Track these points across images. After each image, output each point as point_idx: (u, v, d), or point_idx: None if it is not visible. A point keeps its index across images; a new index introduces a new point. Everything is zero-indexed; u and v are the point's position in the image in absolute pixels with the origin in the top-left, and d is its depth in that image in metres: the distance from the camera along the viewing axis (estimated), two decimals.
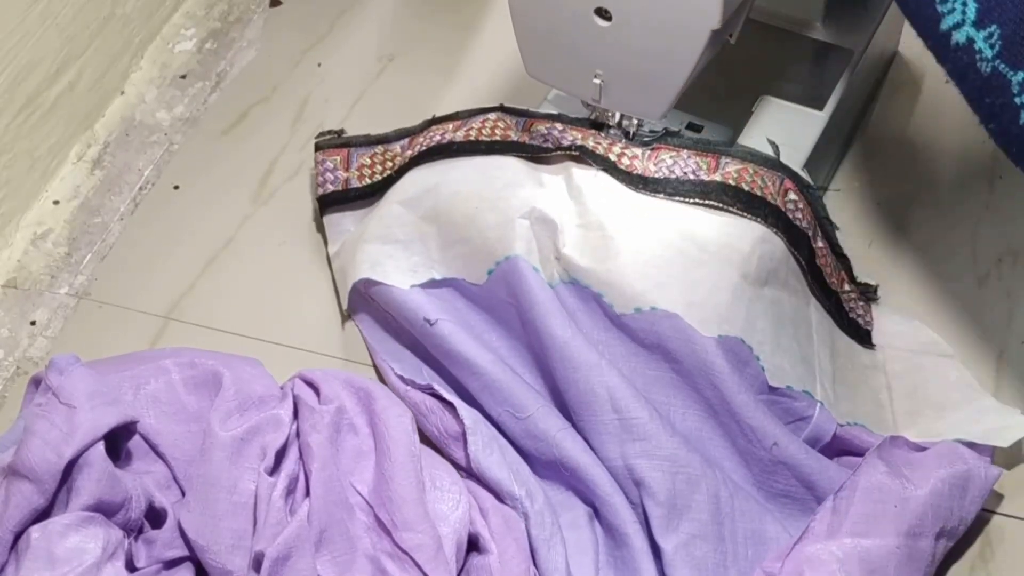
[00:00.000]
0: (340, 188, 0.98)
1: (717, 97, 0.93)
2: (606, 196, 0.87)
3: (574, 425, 0.85)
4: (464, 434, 0.84)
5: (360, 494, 0.80)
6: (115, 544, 0.75)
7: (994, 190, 1.01)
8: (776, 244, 0.86)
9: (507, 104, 0.94)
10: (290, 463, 0.81)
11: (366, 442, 0.82)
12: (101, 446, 0.77)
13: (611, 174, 0.88)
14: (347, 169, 0.98)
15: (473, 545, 0.80)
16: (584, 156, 0.88)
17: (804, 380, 0.85)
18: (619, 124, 0.88)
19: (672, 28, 0.79)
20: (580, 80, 0.85)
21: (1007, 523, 0.84)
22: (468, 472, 0.84)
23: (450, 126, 0.94)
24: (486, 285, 0.90)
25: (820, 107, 0.93)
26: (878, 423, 0.87)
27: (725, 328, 0.84)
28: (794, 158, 0.90)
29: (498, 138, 0.91)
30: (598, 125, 0.89)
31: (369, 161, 0.98)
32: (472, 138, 0.92)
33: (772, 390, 0.85)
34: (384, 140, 0.98)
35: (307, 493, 0.80)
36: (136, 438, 0.82)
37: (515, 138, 0.91)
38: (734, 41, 0.84)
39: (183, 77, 1.14)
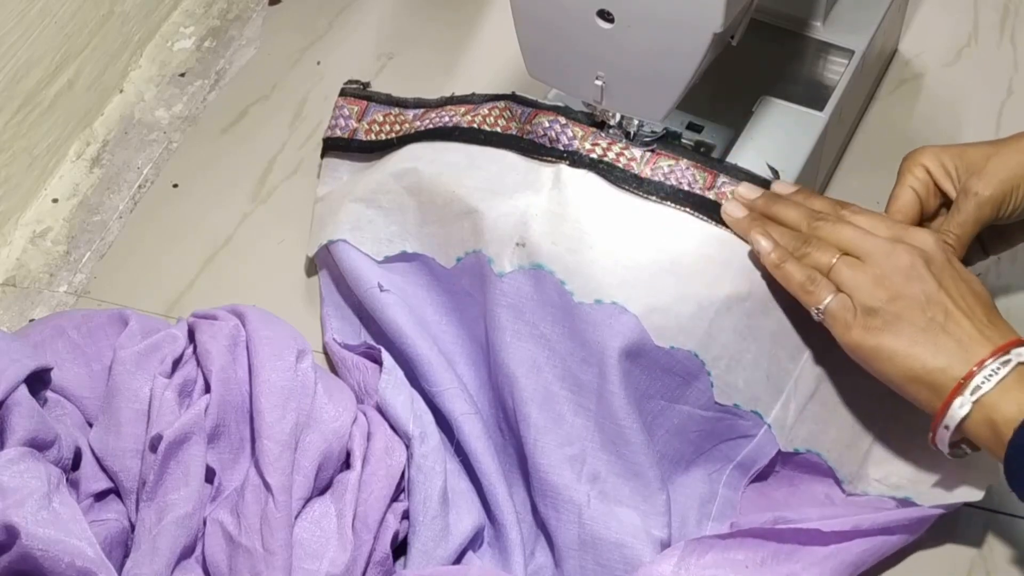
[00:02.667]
0: (346, 136, 1.00)
1: (717, 97, 0.93)
2: (591, 194, 0.87)
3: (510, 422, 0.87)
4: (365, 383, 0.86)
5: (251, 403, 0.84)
6: (56, 478, 0.78)
7: None
8: None
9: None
10: (187, 368, 0.85)
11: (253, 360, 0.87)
12: (24, 388, 0.80)
13: (604, 174, 0.88)
14: (359, 120, 1.00)
15: (349, 461, 0.83)
16: (577, 163, 0.88)
17: (759, 400, 0.84)
18: (619, 124, 0.89)
19: (674, 30, 0.79)
20: (582, 81, 0.85)
21: (1007, 522, 0.85)
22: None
23: (462, 108, 0.95)
24: (453, 270, 0.91)
25: (820, 107, 0.93)
26: (842, 453, 0.85)
27: (680, 340, 0.83)
28: (794, 159, 0.91)
29: (498, 129, 0.92)
30: (599, 124, 0.89)
31: (381, 119, 0.99)
32: (475, 125, 0.92)
33: (718, 406, 0.85)
34: (402, 104, 0.99)
35: (205, 392, 0.84)
36: (46, 392, 0.85)
37: (514, 131, 0.91)
38: (736, 42, 0.84)
39: (182, 75, 1.14)
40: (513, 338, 0.86)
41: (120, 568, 0.79)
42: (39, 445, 0.80)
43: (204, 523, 0.81)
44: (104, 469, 0.83)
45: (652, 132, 0.89)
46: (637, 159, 0.88)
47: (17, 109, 1.01)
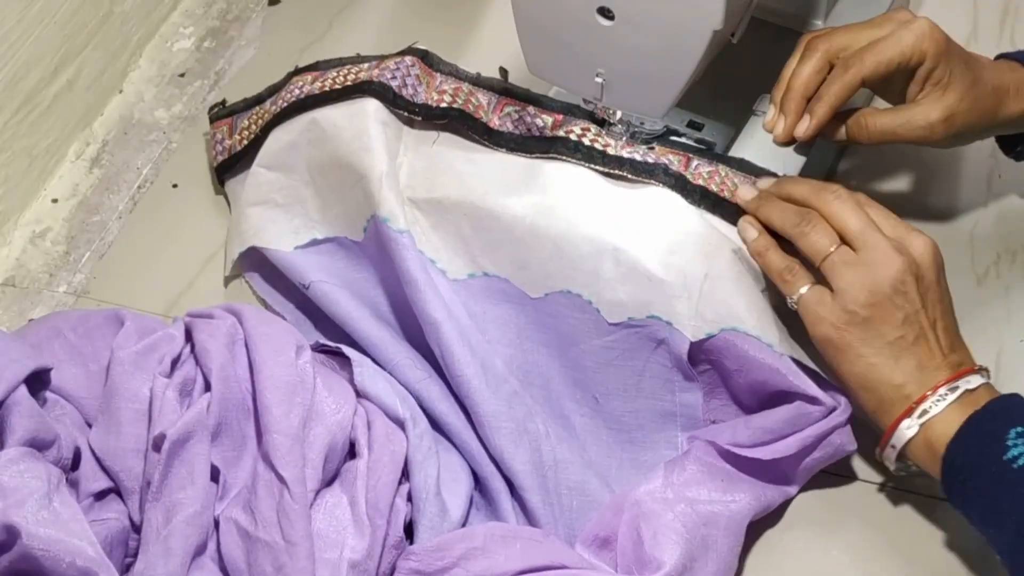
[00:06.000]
0: (227, 156, 1.01)
1: (718, 95, 0.93)
2: (445, 153, 0.91)
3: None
4: (351, 376, 0.87)
5: (255, 401, 0.84)
6: (56, 478, 0.78)
7: (992, 189, 1.01)
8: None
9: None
10: (186, 367, 0.85)
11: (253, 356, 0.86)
12: (24, 388, 0.80)
13: (456, 127, 0.91)
14: (231, 136, 1.01)
15: (352, 451, 0.84)
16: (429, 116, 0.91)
17: (650, 305, 0.84)
18: (620, 121, 0.89)
19: (674, 28, 0.79)
20: (582, 78, 0.85)
21: None
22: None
23: (308, 77, 0.96)
24: (364, 241, 0.92)
25: None
26: (760, 319, 0.84)
27: (550, 284, 0.86)
28: (795, 157, 0.91)
29: (349, 83, 0.93)
30: (600, 121, 0.89)
31: (247, 123, 1.00)
32: (327, 88, 0.93)
33: (614, 327, 0.85)
34: (259, 100, 1.00)
35: (205, 391, 0.84)
36: (45, 392, 0.85)
37: (364, 78, 0.92)
38: (736, 40, 0.84)
39: (182, 75, 1.14)
40: (426, 287, 0.87)
41: (121, 568, 0.79)
42: (39, 445, 0.79)
43: (216, 522, 0.81)
44: (104, 469, 0.83)
45: (651, 129, 0.89)
46: (484, 106, 0.91)
47: (17, 109, 1.01)
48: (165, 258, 1.01)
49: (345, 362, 0.88)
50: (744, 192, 0.85)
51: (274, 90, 0.99)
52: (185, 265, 1.01)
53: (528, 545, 0.79)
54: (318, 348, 0.90)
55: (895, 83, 0.88)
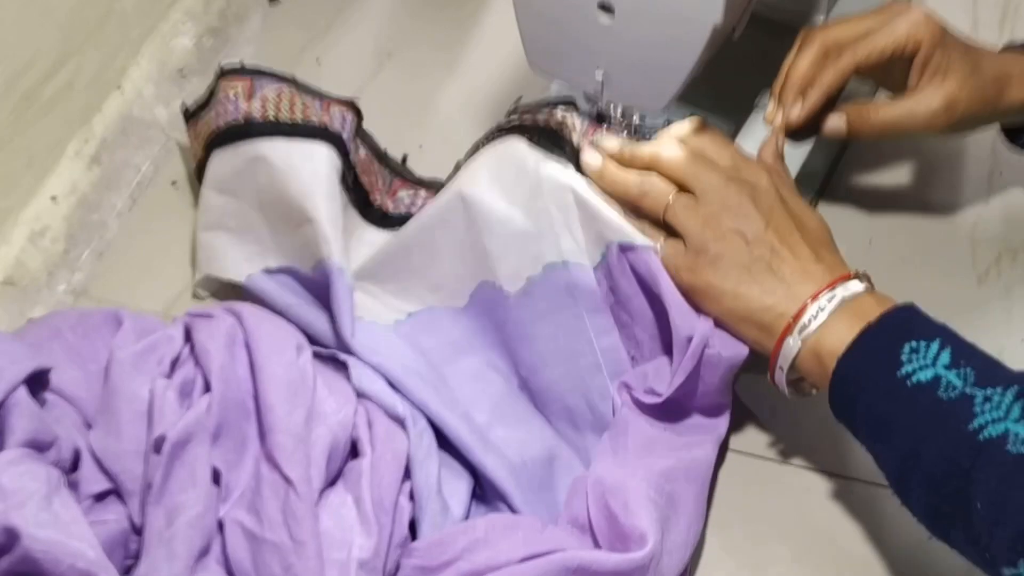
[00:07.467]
0: (195, 165, 1.01)
1: (719, 90, 0.94)
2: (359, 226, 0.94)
3: None
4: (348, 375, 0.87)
5: (255, 402, 0.84)
6: (56, 479, 0.77)
7: (993, 187, 1.01)
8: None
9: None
10: (186, 368, 0.85)
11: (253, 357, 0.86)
12: (24, 389, 0.80)
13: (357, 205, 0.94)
14: (194, 142, 1.01)
15: (354, 450, 0.84)
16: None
17: (540, 255, 0.86)
18: (622, 116, 0.89)
19: (675, 23, 0.79)
20: (582, 73, 0.86)
21: None
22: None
23: (239, 86, 0.95)
24: (316, 276, 0.92)
25: None
26: (626, 224, 0.84)
27: (467, 287, 0.89)
28: (795, 153, 0.91)
29: (299, 121, 0.92)
30: (600, 117, 0.89)
31: (198, 132, 0.99)
32: (271, 117, 0.93)
33: (520, 295, 0.87)
34: (205, 104, 0.99)
35: (205, 391, 0.84)
36: (45, 393, 0.85)
37: (316, 121, 0.92)
38: (737, 37, 0.84)
39: (182, 75, 1.14)
40: (382, 331, 0.89)
41: (121, 570, 0.79)
42: (39, 446, 0.79)
43: (221, 525, 0.80)
44: (104, 470, 0.83)
45: (653, 124, 0.90)
46: (380, 188, 0.96)
47: (15, 107, 1.01)
48: (165, 257, 1.01)
49: (340, 366, 0.88)
50: (589, 158, 0.86)
51: (211, 92, 0.98)
52: (185, 264, 1.01)
53: (529, 533, 0.79)
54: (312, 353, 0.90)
55: (895, 73, 0.88)
